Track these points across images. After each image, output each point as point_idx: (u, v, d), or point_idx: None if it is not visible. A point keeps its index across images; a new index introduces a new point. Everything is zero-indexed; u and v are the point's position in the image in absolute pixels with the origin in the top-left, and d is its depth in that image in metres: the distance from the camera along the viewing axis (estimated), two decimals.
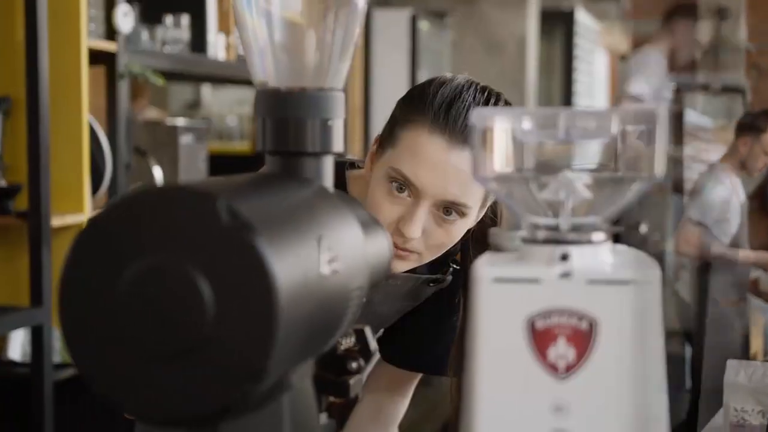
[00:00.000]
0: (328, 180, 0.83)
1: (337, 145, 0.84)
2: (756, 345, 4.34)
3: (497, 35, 5.39)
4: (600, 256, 0.71)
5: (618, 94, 4.54)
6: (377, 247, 0.85)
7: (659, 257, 4.40)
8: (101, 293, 0.63)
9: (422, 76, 6.29)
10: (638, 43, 9.95)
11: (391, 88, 5.27)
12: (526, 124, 0.72)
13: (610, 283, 0.68)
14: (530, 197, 0.73)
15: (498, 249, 0.78)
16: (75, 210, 2.50)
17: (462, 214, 1.27)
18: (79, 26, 2.48)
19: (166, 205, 0.63)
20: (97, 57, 2.64)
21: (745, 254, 4.33)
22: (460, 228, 1.29)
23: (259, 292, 0.61)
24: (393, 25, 5.47)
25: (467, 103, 1.26)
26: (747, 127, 4.41)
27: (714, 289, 4.28)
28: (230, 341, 0.61)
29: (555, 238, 0.71)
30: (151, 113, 3.89)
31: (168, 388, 0.62)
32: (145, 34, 2.96)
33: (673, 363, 4.69)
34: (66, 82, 2.49)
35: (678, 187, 4.78)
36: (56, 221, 2.42)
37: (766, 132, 4.37)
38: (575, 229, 0.72)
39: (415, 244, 1.28)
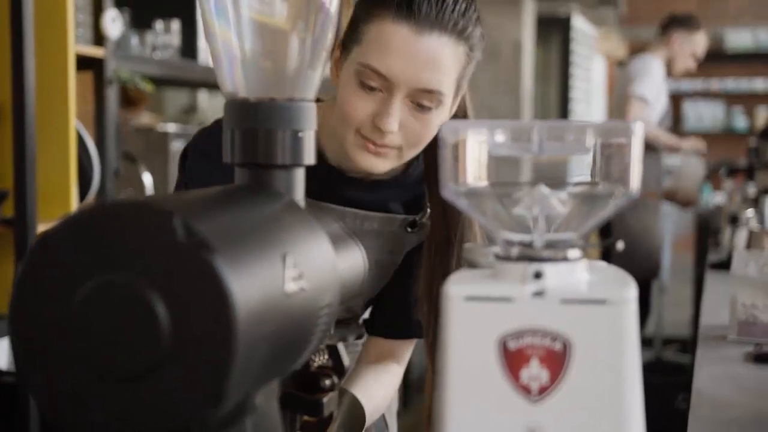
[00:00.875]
0: (299, 192, 0.81)
1: (309, 157, 0.81)
2: None
3: (493, 41, 5.37)
4: (575, 273, 0.69)
5: (620, 95, 4.53)
6: (350, 261, 0.83)
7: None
8: (54, 311, 0.60)
9: None
10: (635, 49, 9.95)
11: None
12: (499, 138, 0.69)
13: (584, 303, 0.66)
14: (503, 212, 0.70)
15: (472, 265, 0.76)
16: (62, 217, 2.47)
17: (437, 103, 1.24)
18: (67, 31, 2.45)
19: (122, 221, 0.60)
20: (85, 62, 2.61)
21: (669, 138, 4.50)
22: (436, 119, 1.26)
23: (216, 312, 0.58)
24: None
25: None
26: (680, 24, 4.46)
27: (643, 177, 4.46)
28: (187, 363, 0.58)
29: (529, 256, 0.69)
30: (146, 119, 3.87)
31: (122, 411, 0.59)
32: (134, 39, 2.94)
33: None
34: (53, 88, 2.46)
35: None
36: (43, 228, 2.40)
37: (699, 32, 4.42)
38: (550, 245, 0.70)
39: (393, 138, 1.25)
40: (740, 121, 10.04)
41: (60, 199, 2.46)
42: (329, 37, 0.82)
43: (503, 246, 0.70)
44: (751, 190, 4.03)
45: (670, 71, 4.54)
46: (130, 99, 3.26)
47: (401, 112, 1.23)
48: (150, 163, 3.02)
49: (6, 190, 2.39)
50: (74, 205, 2.51)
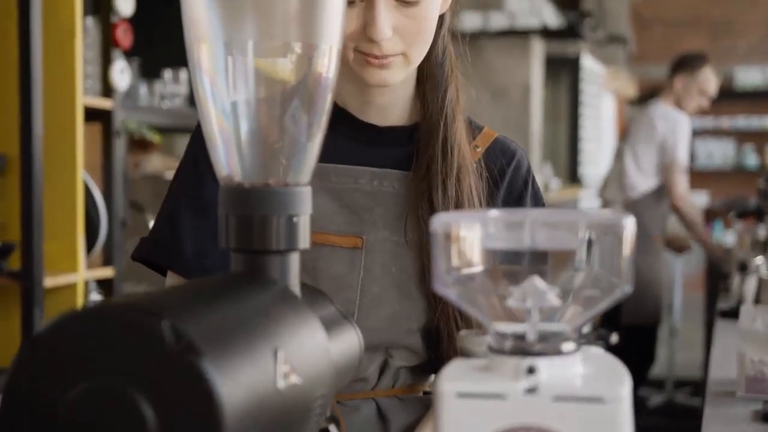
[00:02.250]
0: (294, 278, 0.81)
1: (304, 241, 0.81)
2: None
3: (502, 83, 5.39)
4: (569, 368, 0.68)
5: (664, 161, 4.49)
6: (344, 345, 0.83)
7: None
8: (42, 415, 0.60)
9: None
10: (645, 87, 9.97)
11: None
12: (491, 230, 0.69)
13: (578, 401, 0.65)
14: (496, 304, 0.70)
15: (466, 354, 0.75)
16: (69, 270, 2.47)
17: None
18: (75, 83, 2.47)
19: (111, 325, 0.60)
20: (93, 114, 2.63)
21: (699, 227, 4.56)
22: (429, 9, 1.17)
23: (205, 416, 0.58)
24: None
25: None
26: (682, 65, 4.49)
27: (650, 224, 4.42)
28: None
29: (522, 349, 0.68)
30: (156, 161, 3.89)
31: None
32: (143, 89, 2.96)
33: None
34: (61, 140, 2.48)
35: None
36: (49, 281, 2.40)
37: (701, 70, 4.43)
38: (543, 338, 0.69)
39: (391, 45, 1.16)
40: (751, 159, 10.03)
41: (67, 252, 2.47)
42: (323, 120, 0.82)
43: (496, 338, 0.70)
44: (762, 232, 4.01)
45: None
46: (140, 142, 3.28)
47: (389, 15, 1.14)
48: (157, 211, 3.02)
49: (13, 242, 2.40)
50: (81, 257, 2.52)
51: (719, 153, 10.12)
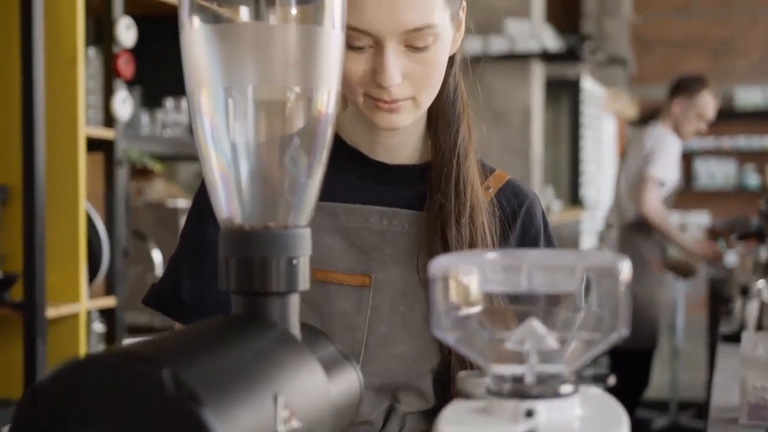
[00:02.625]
0: (294, 319, 0.81)
1: (304, 283, 0.82)
2: None
3: (502, 106, 5.41)
4: (568, 410, 0.68)
5: (636, 167, 4.52)
6: (344, 385, 0.83)
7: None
8: None
9: None
10: (645, 108, 10.00)
11: None
12: (488, 274, 0.70)
13: None
14: (494, 346, 0.71)
15: (465, 395, 0.75)
16: (71, 300, 2.48)
17: (433, 38, 1.14)
18: (77, 114, 2.49)
19: (111, 374, 0.61)
20: (95, 143, 2.64)
21: (678, 236, 4.54)
22: (438, 53, 1.16)
23: None
24: None
25: None
26: (680, 89, 4.49)
27: (645, 247, 4.40)
28: None
29: (520, 392, 0.69)
30: (159, 188, 3.90)
31: None
32: (145, 118, 2.97)
33: None
34: (63, 171, 2.49)
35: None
36: (52, 312, 2.40)
37: (700, 95, 4.43)
38: (541, 380, 0.70)
39: (400, 90, 1.16)
40: (752, 179, 10.04)
41: (69, 282, 2.47)
42: (322, 162, 0.83)
43: (494, 381, 0.70)
44: (763, 254, 4.01)
45: (680, 136, 4.57)
46: (143, 169, 3.29)
47: (398, 60, 1.14)
48: (160, 239, 3.03)
49: (15, 273, 2.40)
50: (83, 287, 2.52)
51: (720, 173, 10.14)
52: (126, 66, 2.64)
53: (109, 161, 2.66)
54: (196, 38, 0.79)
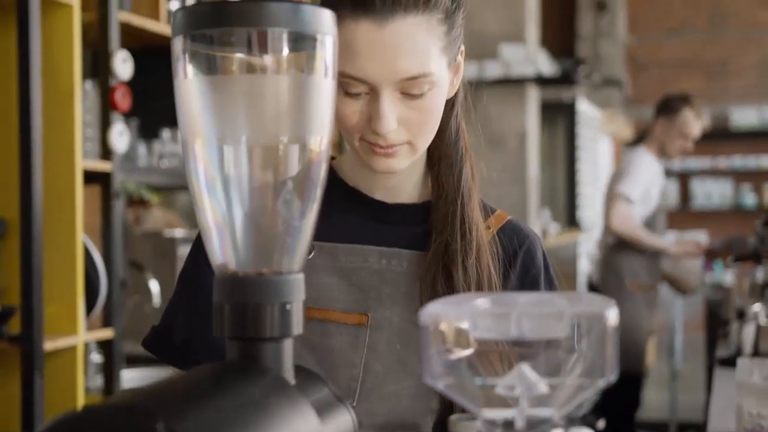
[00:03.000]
0: (288, 363, 0.82)
1: (297, 327, 0.83)
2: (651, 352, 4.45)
3: (498, 131, 5.43)
4: None
5: (609, 192, 4.57)
6: (338, 429, 0.84)
7: None
8: None
9: None
10: (641, 128, 10.04)
11: None
12: (479, 322, 0.71)
13: None
14: (485, 391, 0.72)
15: None
16: (69, 332, 2.48)
17: (429, 85, 1.14)
18: (74, 147, 2.50)
19: (105, 427, 0.62)
20: (92, 176, 2.66)
21: (655, 240, 4.46)
22: (434, 100, 1.16)
23: None
24: None
25: None
26: (662, 109, 4.50)
27: (626, 269, 4.35)
28: None
29: None
30: (157, 216, 3.91)
31: None
32: (142, 149, 2.99)
33: None
34: (61, 203, 2.50)
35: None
36: (49, 345, 2.41)
37: (680, 113, 4.43)
38: (531, 425, 0.71)
39: (397, 135, 1.16)
40: (749, 198, 10.07)
41: (67, 315, 2.48)
42: (314, 208, 0.84)
43: (485, 426, 0.71)
44: (760, 275, 4.01)
45: (666, 155, 4.57)
46: (141, 200, 3.31)
47: (394, 107, 1.14)
48: (157, 269, 3.04)
49: (13, 306, 2.41)
50: (81, 320, 2.53)
51: (717, 193, 10.16)
52: (123, 99, 2.66)
53: (107, 193, 2.68)
54: (189, 88, 0.80)
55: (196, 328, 1.24)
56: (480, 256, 1.23)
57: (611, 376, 0.70)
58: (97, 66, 2.75)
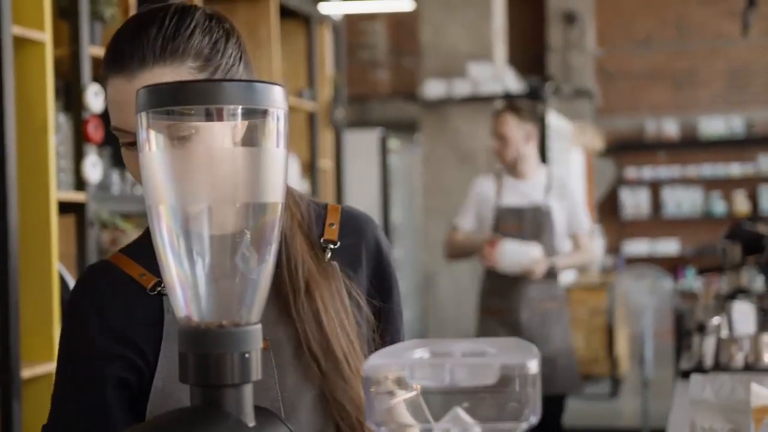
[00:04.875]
0: (248, 407, 0.90)
1: (256, 373, 0.90)
2: None
3: (468, 147, 5.52)
4: None
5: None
6: None
7: None
8: None
9: (394, 192, 6.45)
10: (612, 139, 10.18)
11: (363, 206, 5.36)
12: (416, 372, 0.79)
13: None
14: None
15: None
16: (46, 360, 2.54)
17: (194, 129, 1.10)
18: (49, 179, 2.56)
19: None
20: (67, 206, 2.72)
21: (561, 261, 4.08)
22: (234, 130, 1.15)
23: None
24: (364, 144, 5.62)
25: (134, 26, 1.20)
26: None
27: (532, 290, 4.07)
28: None
29: None
30: (134, 235, 3.96)
31: None
32: (115, 177, 3.05)
33: None
34: (36, 234, 2.56)
35: None
36: (27, 372, 2.47)
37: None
38: None
39: None
40: (719, 206, 10.22)
41: (44, 343, 2.54)
42: (271, 262, 0.92)
43: None
44: (724, 286, 4.10)
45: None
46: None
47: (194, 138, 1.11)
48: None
49: None
50: (56, 347, 2.59)
51: (687, 201, 10.31)
52: (95, 131, 2.73)
53: (81, 223, 2.74)
54: (153, 160, 0.88)
55: (93, 415, 1.23)
56: (311, 288, 1.26)
57: (534, 418, 0.78)
58: (70, 99, 2.82)
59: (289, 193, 1.31)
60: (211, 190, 0.88)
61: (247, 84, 0.89)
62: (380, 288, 1.35)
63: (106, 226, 2.83)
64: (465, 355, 0.81)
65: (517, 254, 3.96)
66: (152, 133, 0.89)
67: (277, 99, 0.89)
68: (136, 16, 1.23)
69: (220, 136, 0.94)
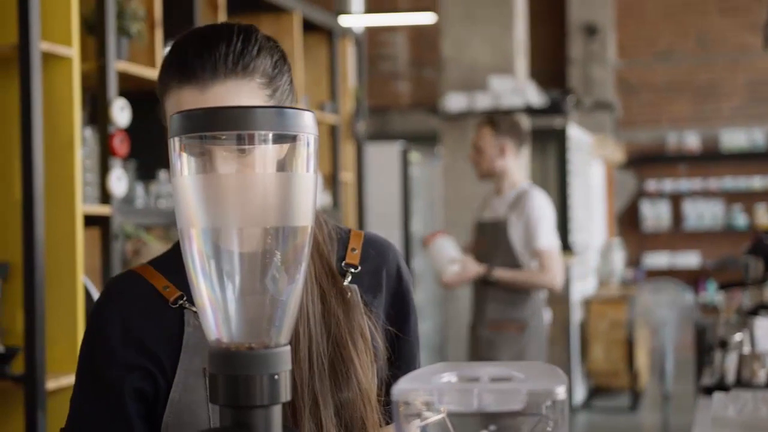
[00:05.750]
0: (277, 428, 0.91)
1: (285, 395, 0.92)
2: None
3: None
4: None
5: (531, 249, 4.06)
6: None
7: None
8: None
9: (415, 205, 6.46)
10: (632, 151, 10.15)
11: (384, 218, 5.39)
12: (444, 397, 0.80)
13: None
14: None
15: None
16: (70, 371, 2.57)
17: (261, 141, 1.13)
18: (75, 193, 2.59)
19: None
20: (92, 219, 2.75)
21: (499, 273, 3.95)
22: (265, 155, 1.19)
23: None
24: (385, 157, 5.63)
25: (201, 39, 1.23)
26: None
27: (489, 308, 4.01)
28: None
29: None
30: (155, 247, 3.98)
31: None
32: (140, 190, 3.08)
33: None
34: (62, 247, 2.59)
35: None
36: (51, 384, 2.49)
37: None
38: None
39: None
40: (740, 219, 10.17)
41: (68, 355, 2.56)
42: (300, 288, 0.93)
43: None
44: (746, 301, 4.08)
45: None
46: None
47: (226, 164, 1.12)
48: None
49: (16, 347, 2.49)
50: None
51: (709, 214, 10.27)
52: (121, 145, 2.76)
53: (106, 236, 2.77)
54: (185, 184, 0.90)
55: (107, 423, 1.24)
56: (325, 308, 1.28)
57: None
58: (96, 112, 2.85)
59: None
60: (242, 215, 0.89)
61: (278, 110, 0.90)
62: (398, 314, 1.37)
63: (130, 237, 2.85)
64: (492, 380, 0.82)
65: (440, 252, 3.97)
66: (184, 157, 0.90)
67: (307, 124, 0.90)
68: (199, 30, 1.27)
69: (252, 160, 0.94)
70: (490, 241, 4.05)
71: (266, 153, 0.89)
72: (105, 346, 1.26)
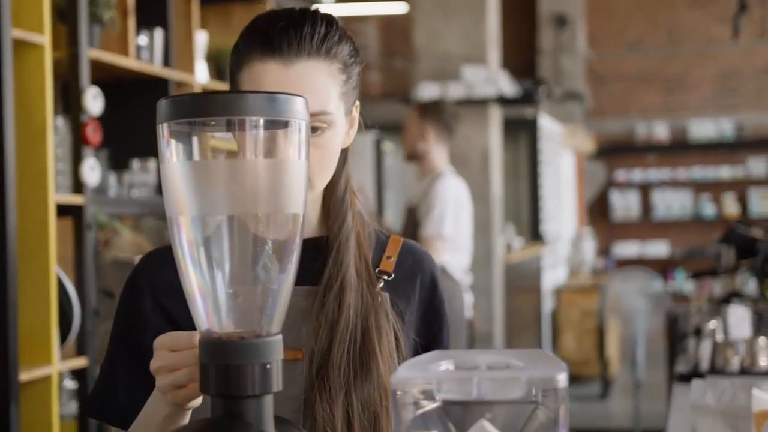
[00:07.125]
0: (268, 418, 0.90)
1: (277, 384, 0.90)
2: None
3: (462, 149, 5.52)
4: None
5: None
6: None
7: None
8: None
9: (388, 196, 6.46)
10: (602, 141, 10.20)
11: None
12: (443, 385, 0.79)
13: None
14: None
15: None
16: (43, 362, 2.54)
17: (328, 124, 1.23)
18: (47, 181, 2.55)
19: None
20: (65, 209, 2.71)
21: None
22: (332, 140, 1.25)
23: None
24: (357, 146, 5.59)
25: (287, 17, 1.26)
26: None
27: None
28: None
29: None
30: (127, 238, 3.94)
31: None
32: (113, 179, 3.04)
33: None
34: (34, 237, 2.55)
35: None
36: (24, 375, 2.46)
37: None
38: None
39: None
40: (708, 209, 10.25)
41: (41, 346, 2.53)
42: (291, 279, 0.92)
43: None
44: (718, 289, 4.10)
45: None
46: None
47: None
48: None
49: None
50: (55, 349, 2.58)
51: (677, 204, 10.34)
52: (94, 134, 2.72)
53: (79, 226, 2.73)
54: (174, 171, 0.88)
55: (139, 390, 1.24)
56: (343, 295, 1.27)
57: (564, 431, 0.78)
58: (69, 103, 2.81)
59: (357, 216, 1.34)
60: (232, 202, 0.88)
61: (269, 95, 0.88)
62: (431, 324, 1.38)
63: (103, 227, 2.82)
64: (491, 368, 0.81)
65: None
66: (173, 144, 0.88)
67: (299, 110, 0.89)
68: (283, 10, 1.29)
69: (242, 147, 0.92)
70: (407, 225, 4.07)
71: (258, 139, 0.87)
72: (138, 315, 1.28)
